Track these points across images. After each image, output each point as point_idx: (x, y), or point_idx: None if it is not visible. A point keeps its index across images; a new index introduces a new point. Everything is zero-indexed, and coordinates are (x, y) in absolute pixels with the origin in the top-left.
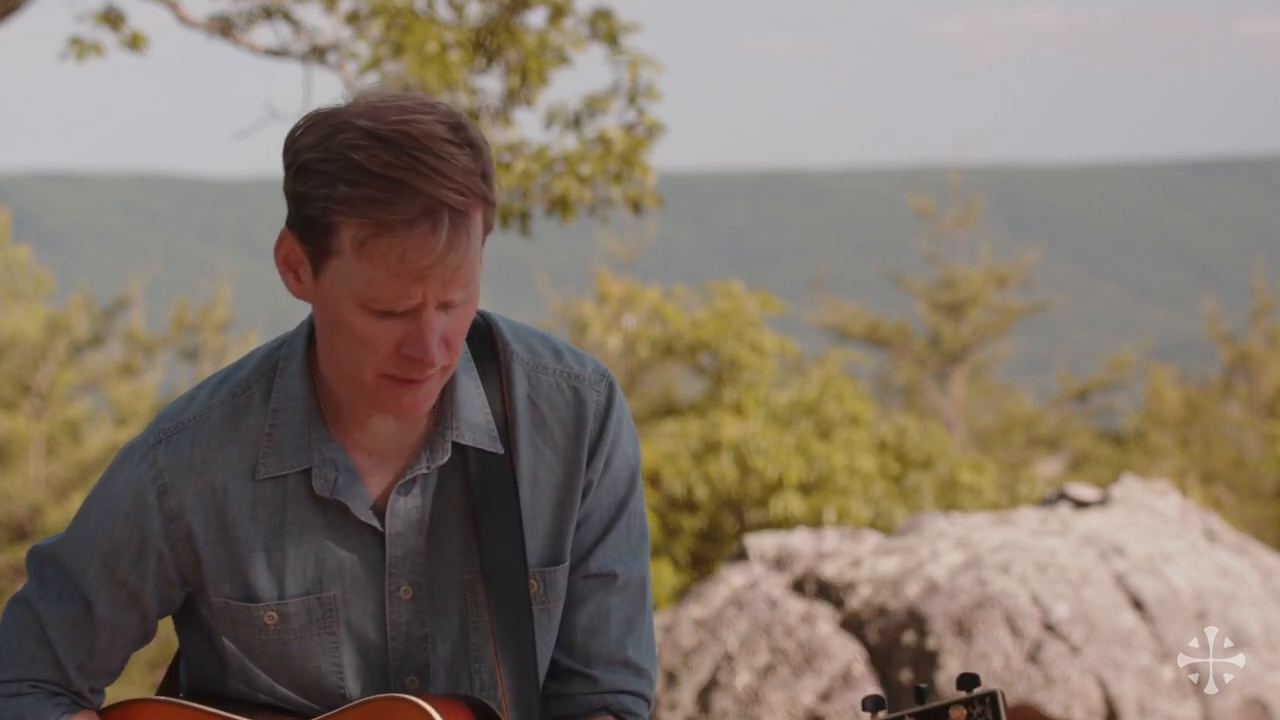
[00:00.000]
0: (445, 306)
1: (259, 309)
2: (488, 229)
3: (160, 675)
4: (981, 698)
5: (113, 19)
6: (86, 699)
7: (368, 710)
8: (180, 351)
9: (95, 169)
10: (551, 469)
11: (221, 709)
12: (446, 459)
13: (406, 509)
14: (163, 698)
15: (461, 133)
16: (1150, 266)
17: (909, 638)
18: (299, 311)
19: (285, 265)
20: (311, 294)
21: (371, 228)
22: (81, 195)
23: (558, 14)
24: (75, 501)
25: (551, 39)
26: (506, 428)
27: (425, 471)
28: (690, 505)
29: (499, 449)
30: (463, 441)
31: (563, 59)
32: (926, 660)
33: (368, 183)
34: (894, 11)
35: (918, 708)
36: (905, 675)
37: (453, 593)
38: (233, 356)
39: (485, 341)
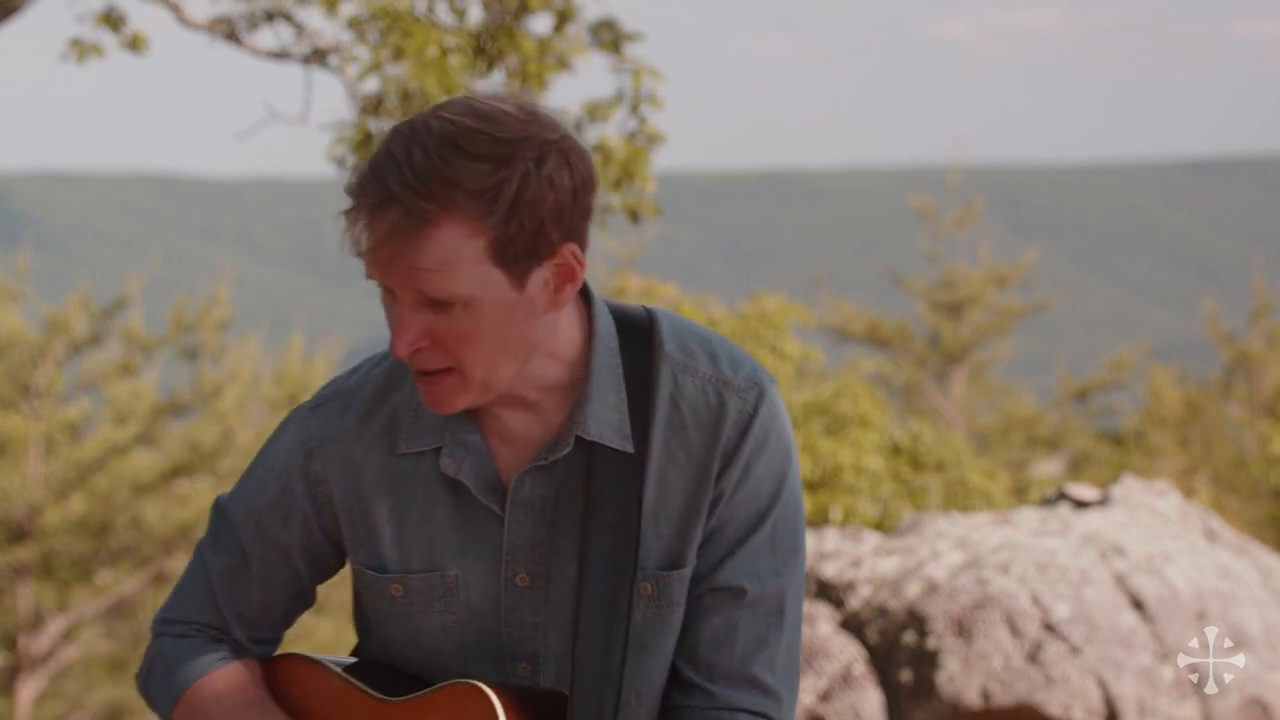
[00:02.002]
0: (428, 301)
1: (258, 309)
2: (494, 252)
3: None
4: None
5: (113, 20)
6: (247, 649)
7: (443, 695)
8: (179, 351)
9: (95, 169)
10: (684, 472)
11: (366, 671)
12: (566, 452)
13: (529, 497)
14: (310, 655)
15: (498, 149)
16: (1150, 266)
17: (909, 638)
18: (298, 311)
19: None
20: None
21: (347, 215)
22: (81, 195)
23: (562, 20)
24: (74, 501)
25: (553, 45)
26: (643, 427)
27: (544, 462)
28: None
29: (628, 448)
30: (587, 437)
31: (563, 64)
32: (926, 660)
33: (365, 169)
34: (894, 12)
35: None
36: (905, 675)
37: (568, 586)
38: (232, 356)
39: (642, 337)
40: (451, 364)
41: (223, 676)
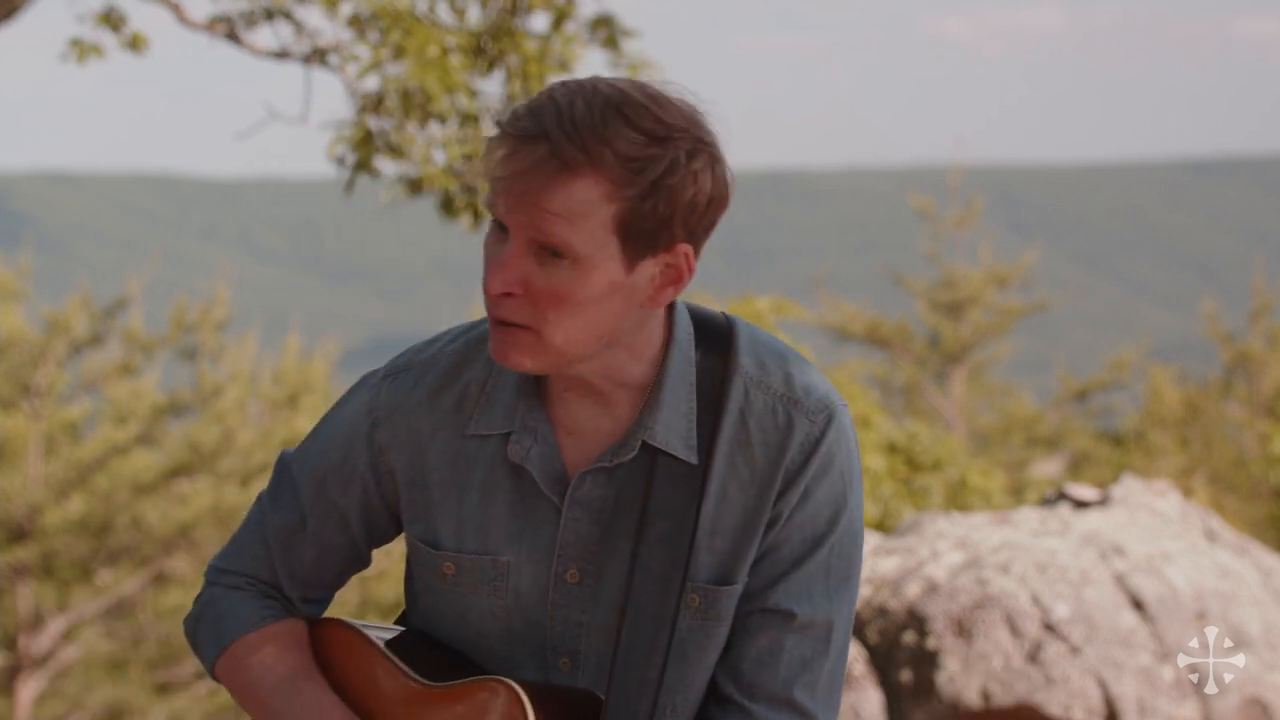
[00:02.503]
0: (538, 249)
1: (257, 309)
2: (621, 222)
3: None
4: None
5: (113, 20)
6: (296, 607)
7: (475, 688)
8: (179, 351)
9: (95, 169)
10: (745, 489)
11: (415, 655)
12: (631, 456)
13: (589, 495)
14: (353, 621)
15: (657, 127)
16: (1150, 266)
17: (909, 638)
18: (296, 312)
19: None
20: None
21: (490, 147)
22: (81, 195)
23: (560, 18)
24: (75, 501)
25: (552, 44)
26: (709, 438)
27: (609, 464)
28: None
29: (692, 459)
30: (654, 443)
31: (563, 65)
32: (926, 660)
33: (526, 105)
34: (895, 10)
35: None
36: (905, 675)
37: (617, 587)
38: (231, 356)
39: (719, 347)
40: (532, 323)
41: (269, 635)
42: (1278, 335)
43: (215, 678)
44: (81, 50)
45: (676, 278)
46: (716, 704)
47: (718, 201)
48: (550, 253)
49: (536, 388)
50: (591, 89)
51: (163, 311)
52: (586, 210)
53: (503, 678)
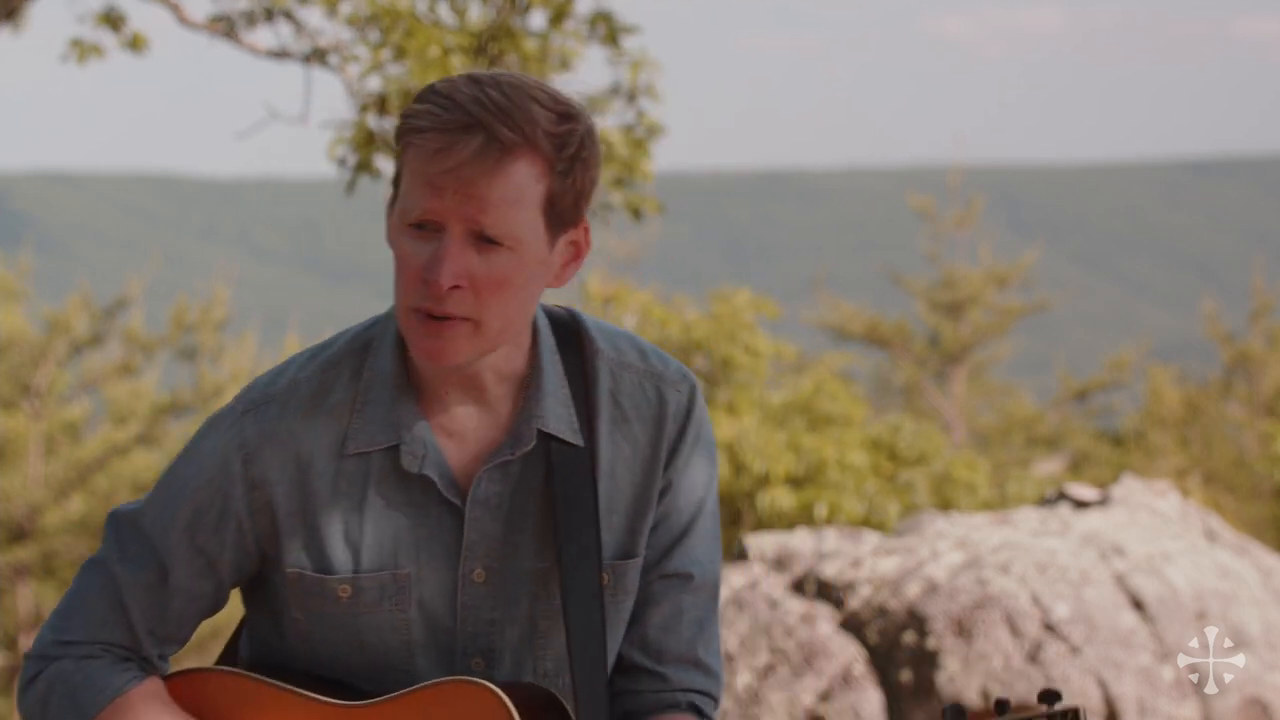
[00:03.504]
0: (475, 239)
1: (257, 309)
2: (548, 200)
3: (215, 647)
4: (1064, 713)
5: (113, 20)
6: (154, 665)
7: (437, 692)
8: (179, 351)
9: (95, 169)
10: (630, 465)
11: (283, 681)
12: (532, 446)
13: (488, 493)
14: (225, 668)
15: (560, 105)
16: (1150, 266)
17: (909, 638)
18: (295, 311)
19: (388, 212)
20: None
21: (418, 133)
22: (81, 195)
23: (558, 15)
24: (75, 501)
25: (552, 42)
26: (588, 421)
27: (511, 457)
28: None
29: (579, 441)
30: (546, 429)
31: (564, 64)
32: (927, 660)
33: (433, 99)
34: (895, 10)
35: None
36: (905, 675)
37: (525, 580)
38: (230, 357)
39: (572, 337)
40: (473, 314)
41: (142, 695)
42: (1278, 335)
43: None
44: (82, 50)
45: (578, 254)
46: (625, 676)
47: (597, 176)
48: (487, 241)
49: (412, 397)
50: (491, 79)
51: (162, 311)
52: (523, 194)
53: (469, 679)
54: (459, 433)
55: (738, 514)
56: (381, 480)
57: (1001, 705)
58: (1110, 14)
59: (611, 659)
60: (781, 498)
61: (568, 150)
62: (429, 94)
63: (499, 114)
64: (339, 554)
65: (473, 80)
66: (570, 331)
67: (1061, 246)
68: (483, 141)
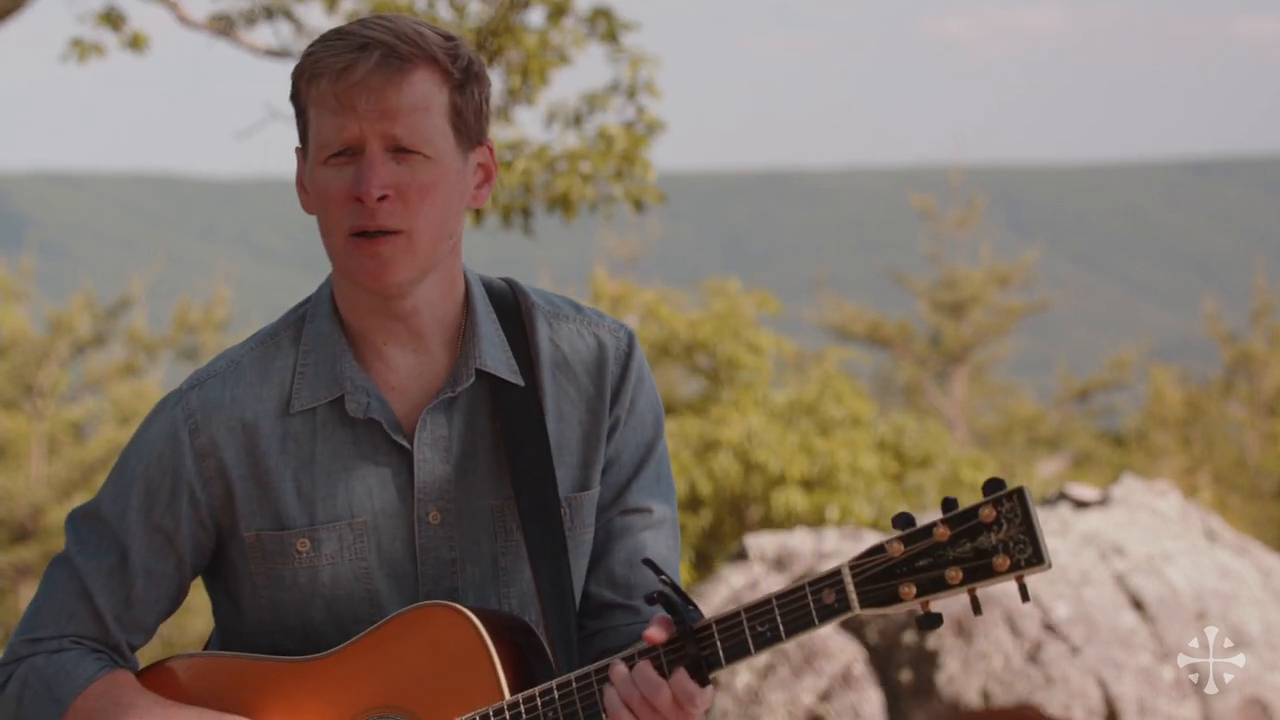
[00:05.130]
0: (393, 151)
1: (257, 309)
2: (453, 109)
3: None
4: (1009, 494)
5: (113, 20)
6: (124, 656)
7: (402, 621)
8: (181, 351)
9: (95, 169)
10: (576, 405)
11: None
12: (470, 383)
13: (434, 435)
14: (190, 653)
15: (443, 31)
16: (1150, 266)
17: (909, 638)
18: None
19: (299, 186)
20: (309, 194)
21: (317, 73)
22: (81, 195)
23: (557, 12)
24: (77, 502)
25: (551, 38)
26: (530, 366)
27: (451, 395)
28: (693, 504)
29: (519, 380)
30: (484, 368)
31: (563, 59)
32: (926, 660)
33: (324, 40)
34: (895, 10)
35: (948, 514)
36: (905, 675)
37: (481, 518)
38: None
39: (506, 295)
40: (403, 225)
41: (115, 681)
42: (1278, 335)
43: None
44: (82, 50)
45: (489, 175)
46: (598, 616)
47: (490, 98)
48: (405, 151)
49: (351, 353)
50: (374, 17)
51: (164, 312)
52: (429, 101)
53: (435, 601)
54: (400, 385)
55: (742, 514)
56: (329, 433)
57: (949, 502)
58: (1110, 14)
59: (577, 591)
60: (796, 499)
61: (460, 63)
62: (318, 40)
63: (390, 33)
64: (294, 510)
65: (358, 21)
66: (506, 293)
67: (1062, 246)
68: (381, 55)
